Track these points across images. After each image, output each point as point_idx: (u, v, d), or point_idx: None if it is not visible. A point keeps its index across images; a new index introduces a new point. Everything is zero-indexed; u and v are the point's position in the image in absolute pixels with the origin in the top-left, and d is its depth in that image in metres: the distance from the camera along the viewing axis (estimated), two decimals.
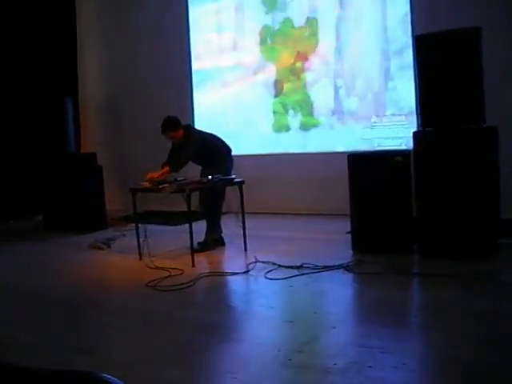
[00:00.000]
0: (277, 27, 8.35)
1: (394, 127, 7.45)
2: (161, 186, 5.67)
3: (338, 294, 4.58)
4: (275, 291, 4.71)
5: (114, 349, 3.67)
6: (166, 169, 5.93)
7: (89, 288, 5.07)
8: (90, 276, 5.50)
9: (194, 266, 5.52)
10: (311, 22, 8.04)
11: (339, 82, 7.89)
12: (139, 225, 5.99)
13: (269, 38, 8.44)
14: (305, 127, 8.23)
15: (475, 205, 5.03)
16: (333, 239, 6.27)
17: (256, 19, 8.51)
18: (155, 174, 5.89)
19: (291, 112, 8.32)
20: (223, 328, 3.90)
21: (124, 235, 7.23)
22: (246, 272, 5.22)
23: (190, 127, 6.44)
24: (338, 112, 7.93)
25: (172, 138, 6.12)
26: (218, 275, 5.27)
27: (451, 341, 3.32)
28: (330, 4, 7.86)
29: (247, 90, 8.69)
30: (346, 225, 5.91)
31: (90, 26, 10.20)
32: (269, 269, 5.19)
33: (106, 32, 10.08)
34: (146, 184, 5.85)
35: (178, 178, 5.81)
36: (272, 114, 8.48)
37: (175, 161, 5.99)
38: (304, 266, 5.16)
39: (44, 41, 9.15)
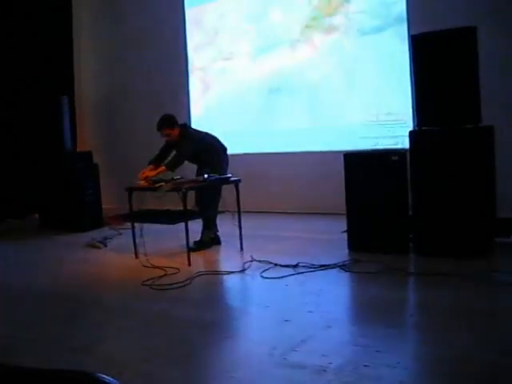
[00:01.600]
0: (276, 25, 8.35)
1: (391, 126, 7.46)
2: (157, 185, 5.67)
3: (333, 293, 4.58)
4: (271, 290, 4.71)
5: (111, 348, 3.66)
6: (163, 168, 5.94)
7: (85, 287, 5.06)
8: (86, 275, 5.49)
9: (190, 264, 5.52)
10: (310, 21, 8.04)
11: (336, 81, 7.89)
12: (135, 223, 5.99)
13: (269, 35, 8.43)
14: (301, 126, 8.22)
15: (472, 204, 5.04)
16: (329, 238, 6.28)
17: (257, 14, 8.51)
18: (151, 173, 5.89)
19: (289, 111, 8.31)
20: (219, 327, 3.90)
21: (120, 234, 7.23)
22: (242, 271, 5.22)
23: (187, 126, 6.44)
24: (334, 111, 7.93)
25: (167, 137, 6.12)
26: (214, 274, 5.28)
27: (447, 340, 3.32)
28: (332, 2, 7.86)
29: (245, 88, 8.69)
30: (342, 224, 5.91)
31: (86, 24, 10.19)
32: (265, 268, 5.19)
33: (102, 31, 10.07)
34: (143, 183, 5.85)
35: (175, 177, 5.81)
36: (270, 113, 8.47)
37: (171, 160, 5.99)
38: (300, 265, 5.17)
39: (40, 39, 9.12)
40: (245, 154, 8.27)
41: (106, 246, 6.71)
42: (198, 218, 6.30)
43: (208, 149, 6.20)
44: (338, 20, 7.81)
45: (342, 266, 5.08)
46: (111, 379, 1.20)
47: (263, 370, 3.12)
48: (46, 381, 1.21)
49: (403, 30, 7.18)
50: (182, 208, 5.53)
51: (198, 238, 6.15)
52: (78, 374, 1.21)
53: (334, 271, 5.01)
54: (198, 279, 5.05)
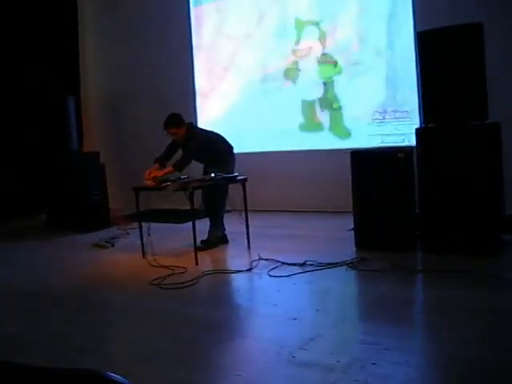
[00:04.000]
0: (285, 23, 8.35)
1: (397, 124, 7.44)
2: (164, 184, 5.67)
3: (341, 291, 4.58)
4: (278, 289, 4.71)
5: (118, 347, 3.68)
6: (170, 169, 5.95)
7: (92, 286, 5.08)
8: (93, 275, 5.51)
9: (197, 264, 5.53)
10: (319, 19, 8.04)
11: (341, 79, 7.88)
12: (142, 223, 6.00)
13: (275, 33, 8.43)
14: (307, 125, 8.21)
15: (479, 201, 5.02)
16: (336, 236, 6.27)
17: (262, 12, 8.51)
18: (159, 173, 5.90)
19: (294, 109, 8.31)
20: (227, 326, 3.91)
21: (127, 234, 7.24)
22: (250, 270, 5.22)
23: (193, 126, 6.45)
24: (340, 109, 7.91)
25: (174, 135, 6.13)
26: (222, 273, 5.29)
27: (455, 338, 3.32)
28: (336, 1, 7.86)
29: (251, 87, 8.68)
30: (349, 222, 5.91)
31: (91, 24, 10.20)
32: (272, 266, 5.19)
33: (108, 31, 10.08)
34: (149, 182, 5.86)
35: (181, 176, 5.82)
36: (276, 112, 8.46)
37: (179, 161, 5.99)
38: (307, 263, 5.17)
39: (46, 40, 9.15)
40: (251, 153, 8.27)
41: (113, 245, 6.73)
42: (205, 217, 6.31)
43: (214, 148, 6.20)
44: (345, 20, 7.81)
45: (350, 264, 5.08)
46: (120, 378, 1.20)
47: (271, 369, 3.12)
48: (55, 379, 1.21)
49: (410, 26, 7.16)
50: (189, 207, 5.54)
51: (205, 237, 6.16)
52: (88, 373, 1.22)
53: (342, 269, 5.00)
54: (206, 278, 5.05)
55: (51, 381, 1.22)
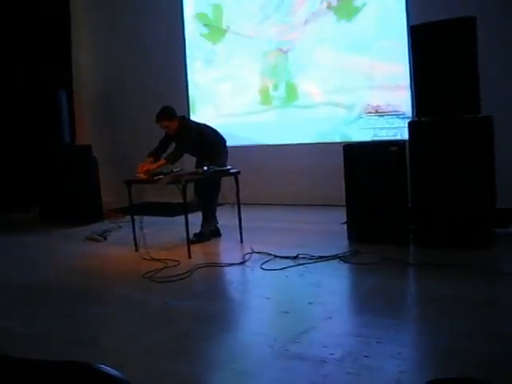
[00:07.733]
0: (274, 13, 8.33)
1: (390, 117, 7.45)
2: (156, 178, 5.66)
3: (333, 284, 4.59)
4: (271, 282, 4.72)
5: (111, 340, 3.67)
6: (163, 161, 5.93)
7: (85, 280, 5.07)
8: (86, 268, 5.50)
9: (190, 257, 5.53)
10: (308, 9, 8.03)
11: (334, 72, 7.87)
12: (135, 216, 5.99)
13: (267, 27, 8.42)
14: (300, 118, 8.21)
15: (471, 194, 5.04)
16: (329, 229, 6.28)
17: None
18: (152, 166, 5.88)
19: (287, 102, 8.30)
20: (219, 319, 3.91)
21: (120, 227, 7.23)
22: (242, 263, 5.22)
23: (185, 119, 6.42)
24: (333, 102, 7.91)
25: (166, 128, 6.10)
26: (214, 266, 5.28)
27: (447, 330, 3.33)
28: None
29: (243, 80, 8.66)
30: (341, 215, 5.91)
31: (83, 17, 10.14)
32: (265, 259, 5.20)
33: (100, 24, 10.03)
34: (142, 175, 5.85)
35: (174, 169, 5.81)
36: (268, 104, 8.45)
37: (172, 153, 5.97)
38: (300, 256, 5.18)
39: (38, 33, 9.09)
40: (244, 146, 8.26)
41: (105, 239, 6.71)
42: (197, 210, 6.30)
43: (207, 141, 6.19)
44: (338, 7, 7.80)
45: (342, 257, 5.09)
46: (112, 370, 1.20)
47: (264, 362, 3.12)
48: (48, 372, 1.21)
49: (403, 19, 7.16)
50: (181, 200, 5.53)
51: (197, 231, 6.16)
52: (80, 365, 1.22)
53: (334, 262, 5.01)
54: (198, 271, 5.05)
55: (45, 373, 1.21)
